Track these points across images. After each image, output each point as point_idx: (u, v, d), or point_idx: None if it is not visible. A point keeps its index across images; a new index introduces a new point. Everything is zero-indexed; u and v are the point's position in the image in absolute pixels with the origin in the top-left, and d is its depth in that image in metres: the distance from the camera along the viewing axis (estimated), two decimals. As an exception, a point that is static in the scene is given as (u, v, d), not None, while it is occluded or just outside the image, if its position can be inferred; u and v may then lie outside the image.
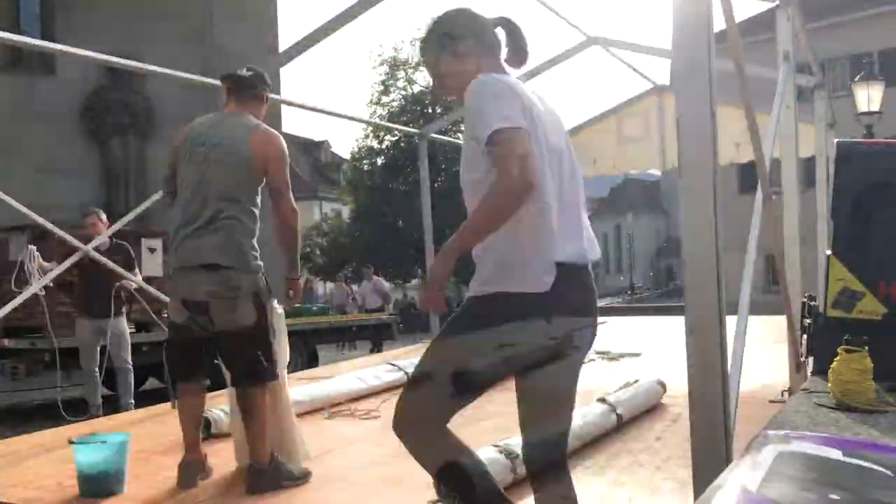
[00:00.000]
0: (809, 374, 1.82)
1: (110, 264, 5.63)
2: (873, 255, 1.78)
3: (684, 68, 1.88)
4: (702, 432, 1.84)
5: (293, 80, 42.10)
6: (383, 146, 26.78)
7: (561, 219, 1.76)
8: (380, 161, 27.34)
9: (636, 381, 3.95)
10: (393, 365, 5.16)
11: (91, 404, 6.60)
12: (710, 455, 1.81)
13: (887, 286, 1.72)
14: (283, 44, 16.61)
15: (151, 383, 10.98)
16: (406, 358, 5.56)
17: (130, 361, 6.92)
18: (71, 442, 2.98)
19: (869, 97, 11.27)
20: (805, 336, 2.89)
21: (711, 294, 1.83)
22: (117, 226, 5.51)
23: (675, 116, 1.87)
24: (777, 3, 3.82)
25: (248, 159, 2.90)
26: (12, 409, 9.34)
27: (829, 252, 1.87)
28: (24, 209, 4.46)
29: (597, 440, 3.24)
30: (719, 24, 2.18)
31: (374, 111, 25.19)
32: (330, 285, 37.14)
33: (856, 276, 1.76)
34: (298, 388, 4.55)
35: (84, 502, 2.82)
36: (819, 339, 1.85)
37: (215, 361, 3.17)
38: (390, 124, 22.26)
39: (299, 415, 4.24)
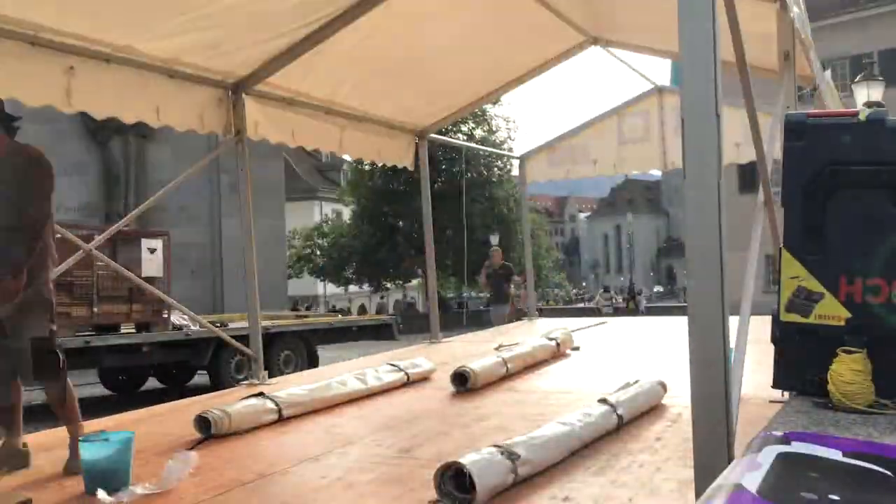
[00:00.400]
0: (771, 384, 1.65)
1: (112, 263, 5.62)
2: (831, 249, 1.49)
3: (690, 69, 1.88)
4: (704, 432, 1.83)
5: (293, 81, 41.91)
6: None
7: None
8: (378, 162, 27.37)
9: (636, 382, 3.95)
10: (393, 365, 5.16)
11: None
12: (713, 455, 1.81)
13: (849, 285, 1.45)
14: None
15: (151, 383, 10.97)
16: (406, 358, 5.56)
17: None
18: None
19: (869, 97, 11.26)
20: None
21: (715, 294, 1.82)
22: (117, 227, 5.50)
23: (681, 117, 1.87)
24: (777, 3, 3.81)
25: None
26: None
27: (780, 246, 1.53)
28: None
29: (597, 440, 3.24)
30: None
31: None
32: (330, 286, 37.16)
33: (813, 274, 1.49)
34: (299, 387, 4.55)
35: (87, 500, 2.82)
36: (776, 349, 1.54)
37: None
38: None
39: (300, 415, 4.25)
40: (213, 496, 2.80)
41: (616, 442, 3.29)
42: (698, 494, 1.78)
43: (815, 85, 4.67)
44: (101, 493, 2.74)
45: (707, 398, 1.84)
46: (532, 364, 5.51)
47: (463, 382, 4.67)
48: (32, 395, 10.17)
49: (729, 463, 1.76)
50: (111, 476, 2.88)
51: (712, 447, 1.82)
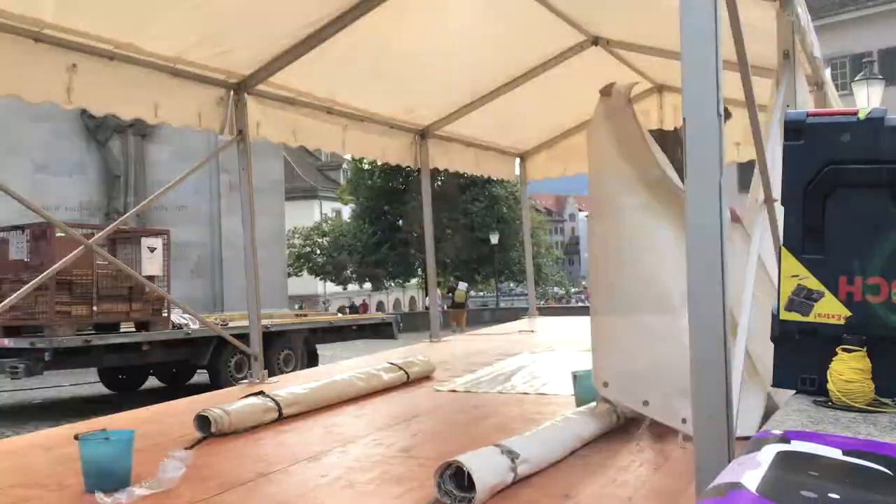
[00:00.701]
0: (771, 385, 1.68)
1: (113, 259, 5.61)
2: (831, 248, 1.47)
3: (691, 69, 1.88)
4: (704, 431, 1.83)
5: (293, 80, 41.91)
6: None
7: None
8: (380, 161, 27.41)
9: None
10: (393, 365, 5.16)
11: None
12: (713, 454, 1.81)
13: (849, 283, 1.44)
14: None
15: (151, 382, 10.98)
16: (406, 357, 5.56)
17: None
18: (77, 437, 2.99)
19: (869, 97, 11.27)
20: None
21: (715, 294, 1.82)
22: (116, 224, 5.51)
23: (682, 117, 1.88)
24: (777, 2, 3.81)
25: None
26: (12, 409, 9.35)
27: (780, 245, 1.53)
28: (33, 205, 4.46)
29: (597, 440, 3.24)
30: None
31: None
32: (330, 284, 37.16)
33: (812, 273, 1.47)
34: (298, 386, 4.55)
35: (87, 499, 2.82)
36: (776, 348, 1.54)
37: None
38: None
39: (299, 414, 4.24)
40: (213, 496, 2.80)
41: (616, 440, 3.29)
42: (698, 493, 1.78)
43: (822, 81, 4.67)
44: (99, 495, 2.74)
45: (707, 397, 1.84)
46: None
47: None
48: (34, 393, 10.19)
49: (729, 463, 1.77)
50: (111, 475, 2.88)
51: (712, 447, 1.82)
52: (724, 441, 1.81)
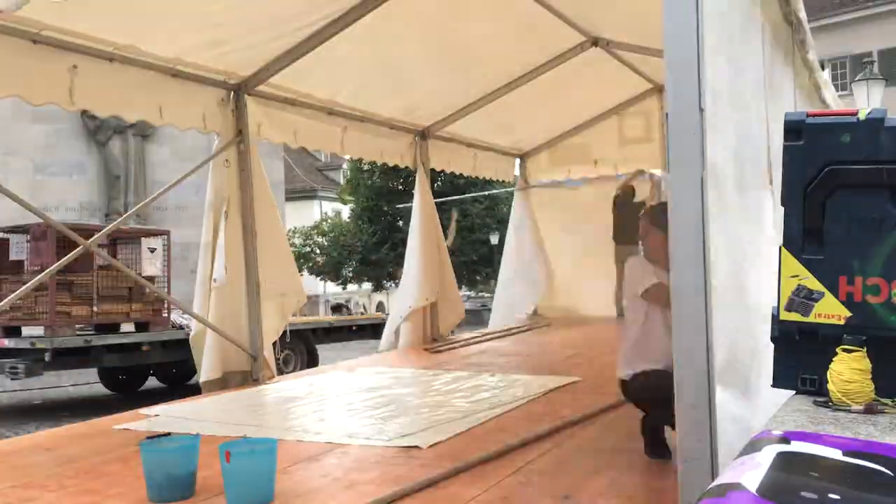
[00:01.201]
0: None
1: (113, 261, 5.62)
2: (831, 248, 1.47)
3: (674, 63, 1.88)
4: (688, 435, 1.83)
5: (293, 80, 41.81)
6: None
7: None
8: (379, 161, 27.37)
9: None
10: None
11: None
12: (695, 454, 1.81)
13: (849, 284, 1.44)
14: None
15: (151, 382, 10.98)
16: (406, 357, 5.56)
17: None
18: (148, 437, 2.96)
19: (869, 97, 11.27)
20: None
21: (699, 286, 1.82)
22: (116, 224, 5.51)
23: (665, 112, 1.88)
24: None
25: None
26: (12, 409, 9.35)
27: (780, 245, 1.53)
28: (32, 207, 4.46)
29: (596, 440, 3.24)
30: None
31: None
32: (330, 284, 37.15)
33: (812, 273, 1.48)
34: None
35: (84, 499, 2.82)
36: (776, 348, 1.54)
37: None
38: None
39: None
40: (212, 496, 2.80)
41: (616, 440, 3.29)
42: (683, 495, 1.78)
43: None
44: None
45: (690, 399, 1.83)
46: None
47: None
48: (34, 393, 10.19)
49: (711, 458, 1.77)
50: (177, 482, 2.81)
51: (695, 447, 1.82)
52: (707, 442, 1.81)
